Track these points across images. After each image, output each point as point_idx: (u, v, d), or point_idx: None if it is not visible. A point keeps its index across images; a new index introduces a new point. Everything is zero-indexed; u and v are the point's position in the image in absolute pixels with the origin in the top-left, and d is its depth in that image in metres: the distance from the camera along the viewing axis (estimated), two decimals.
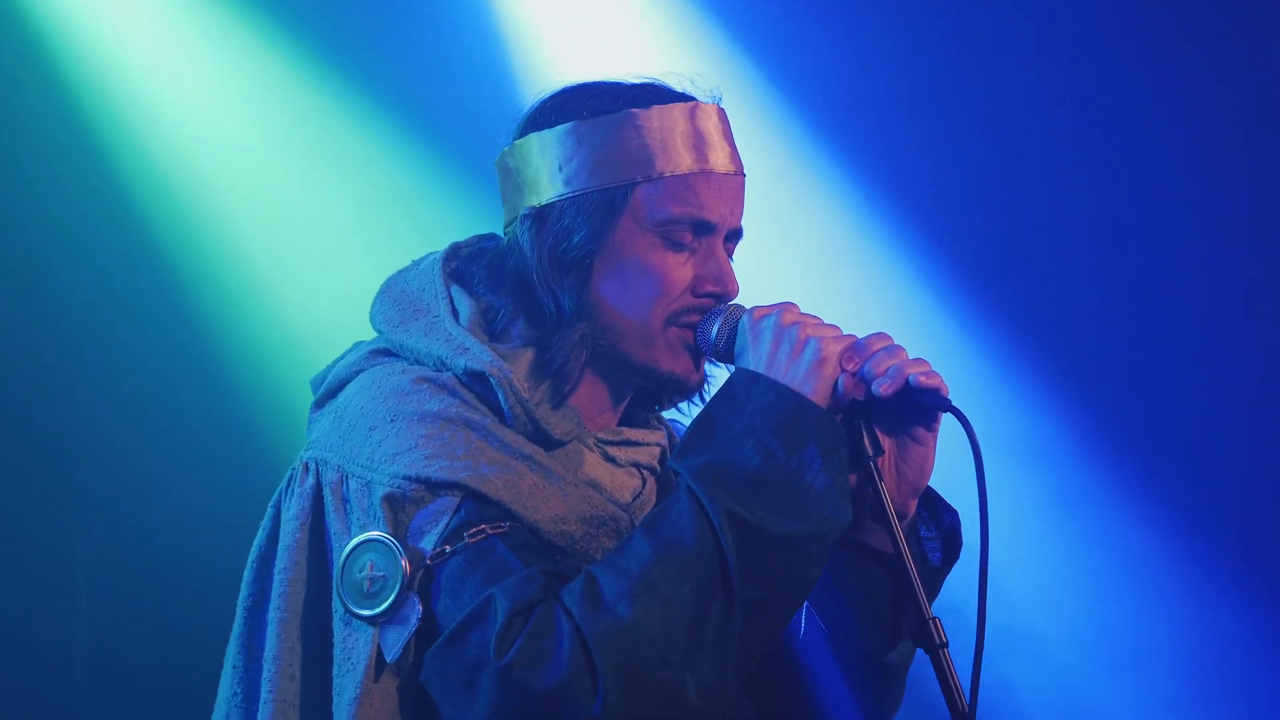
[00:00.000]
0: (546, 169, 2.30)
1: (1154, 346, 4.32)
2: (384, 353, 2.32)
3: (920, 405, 2.26)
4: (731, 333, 2.30)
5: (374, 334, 2.41)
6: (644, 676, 2.06)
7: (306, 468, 2.24)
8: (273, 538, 2.27)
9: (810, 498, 2.14)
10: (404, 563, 2.11)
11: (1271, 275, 4.29)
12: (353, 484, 2.18)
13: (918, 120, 4.43)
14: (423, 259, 2.42)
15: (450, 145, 4.27)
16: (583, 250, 2.29)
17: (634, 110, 2.30)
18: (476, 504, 2.14)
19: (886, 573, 2.33)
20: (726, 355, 2.31)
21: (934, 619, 2.28)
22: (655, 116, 2.30)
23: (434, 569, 2.12)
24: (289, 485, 2.26)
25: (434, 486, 2.15)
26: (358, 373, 2.31)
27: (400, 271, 2.42)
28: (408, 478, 2.15)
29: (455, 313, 2.31)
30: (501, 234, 2.41)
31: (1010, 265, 4.42)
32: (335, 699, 2.15)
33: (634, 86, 2.34)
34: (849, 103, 4.44)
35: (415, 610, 2.12)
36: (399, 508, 2.15)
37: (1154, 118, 4.32)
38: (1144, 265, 4.33)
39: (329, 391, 2.34)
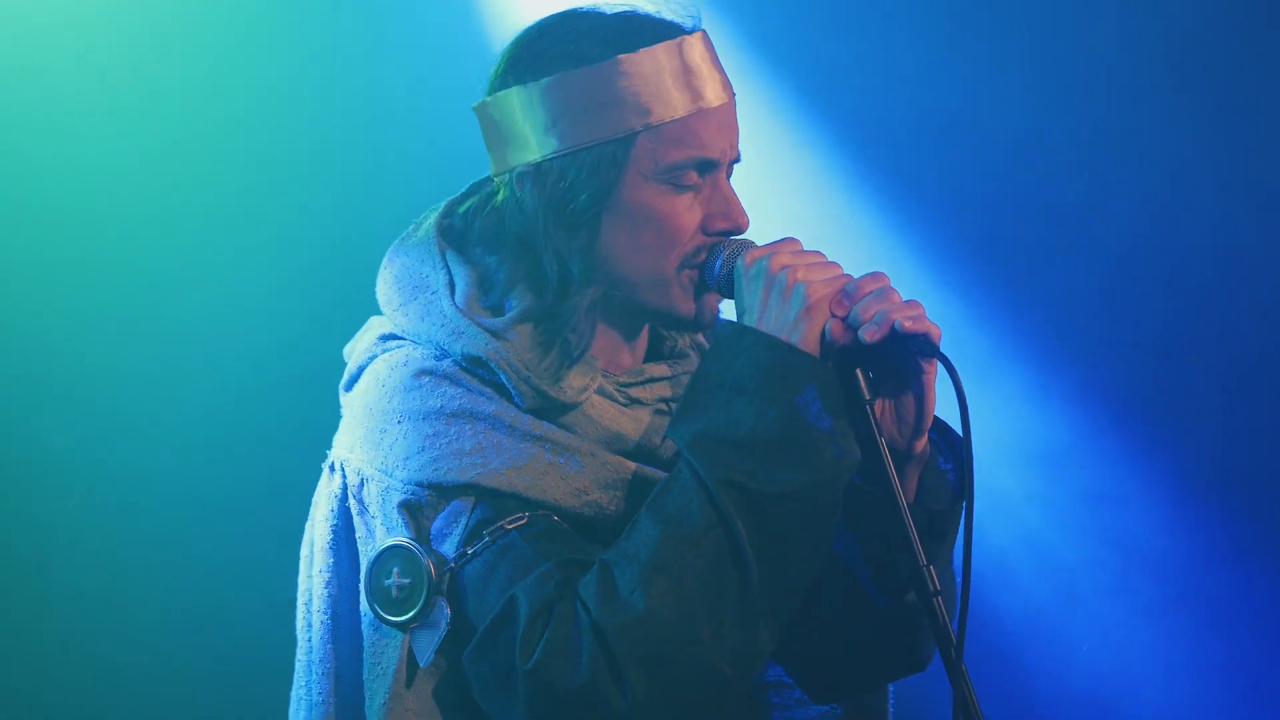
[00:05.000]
0: (537, 124, 2.25)
1: (1181, 341, 4.27)
2: (392, 336, 2.31)
3: (908, 351, 2.24)
4: (730, 271, 2.29)
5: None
6: (669, 661, 2.07)
7: (333, 468, 2.27)
8: (307, 538, 2.33)
9: (808, 447, 2.13)
10: (429, 568, 2.14)
11: None
12: (372, 488, 2.21)
13: (923, 106, 4.39)
14: (421, 221, 2.40)
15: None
16: (590, 209, 2.25)
17: (622, 57, 2.25)
18: (491, 500, 2.16)
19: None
20: (730, 293, 2.31)
21: (928, 566, 2.30)
22: (645, 60, 2.25)
23: (458, 571, 2.15)
24: (328, 486, 2.31)
25: (446, 489, 2.18)
26: (370, 359, 2.32)
27: (401, 240, 2.38)
28: (420, 483, 2.18)
29: (452, 286, 2.29)
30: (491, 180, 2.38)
31: (1028, 257, 4.38)
32: (367, 702, 2.19)
33: (616, 24, 2.28)
34: (849, 87, 4.41)
35: (444, 615, 2.15)
36: (417, 512, 2.18)
37: (1182, 103, 4.25)
38: (1171, 255, 4.27)
39: (352, 377, 2.35)
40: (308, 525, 2.33)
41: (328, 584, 2.24)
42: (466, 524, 2.14)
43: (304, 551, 2.31)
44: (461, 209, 2.35)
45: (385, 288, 2.33)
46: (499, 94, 2.27)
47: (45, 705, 4.20)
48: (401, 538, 2.14)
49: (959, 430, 2.27)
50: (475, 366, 2.22)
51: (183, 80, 4.27)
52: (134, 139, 4.27)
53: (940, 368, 2.25)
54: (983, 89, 4.35)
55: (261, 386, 4.08)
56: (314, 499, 2.32)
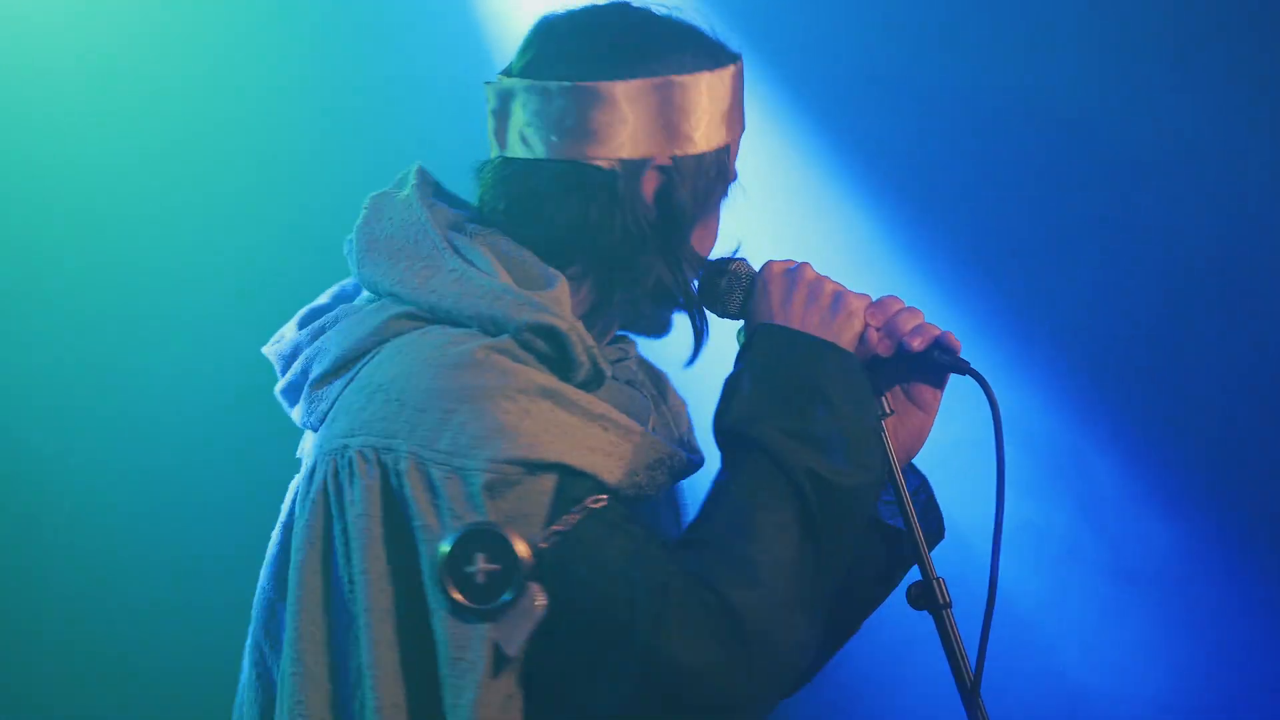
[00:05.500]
0: (657, 121, 2.18)
1: (1178, 343, 4.30)
2: (409, 317, 2.13)
3: (940, 367, 2.31)
4: (739, 287, 2.31)
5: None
6: (780, 644, 2.05)
7: (365, 458, 2.05)
8: (312, 539, 2.09)
9: (869, 448, 2.17)
10: (521, 552, 2.00)
11: None
12: (435, 472, 2.02)
13: (916, 105, 4.38)
14: (396, 200, 2.25)
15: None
16: (709, 208, 2.25)
17: (734, 66, 2.25)
18: (572, 479, 2.04)
19: (881, 536, 2.38)
20: (728, 308, 2.32)
21: (939, 579, 2.33)
22: (738, 74, 2.27)
23: (545, 554, 2.01)
24: (338, 479, 2.08)
25: (532, 467, 2.02)
26: (380, 343, 2.13)
27: (372, 220, 2.23)
28: (505, 461, 2.01)
29: (468, 261, 2.17)
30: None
31: (1023, 260, 4.39)
32: (450, 700, 2.01)
33: (705, 34, 2.26)
34: (843, 85, 4.38)
35: (537, 600, 2.01)
36: (499, 494, 2.01)
37: (1176, 103, 4.29)
38: (1169, 256, 4.30)
39: (341, 365, 2.14)
40: (279, 531, 2.15)
41: (376, 581, 2.03)
42: (550, 504, 2.00)
43: (300, 557, 2.08)
44: (486, 192, 2.24)
45: (387, 267, 2.16)
46: (600, 84, 2.17)
47: (45, 705, 4.19)
48: (486, 520, 1.99)
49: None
50: (535, 339, 2.10)
51: (181, 79, 4.26)
52: (130, 139, 4.27)
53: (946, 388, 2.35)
54: (981, 89, 4.35)
55: (261, 387, 4.05)
56: (301, 500, 2.11)
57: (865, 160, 4.41)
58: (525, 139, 2.20)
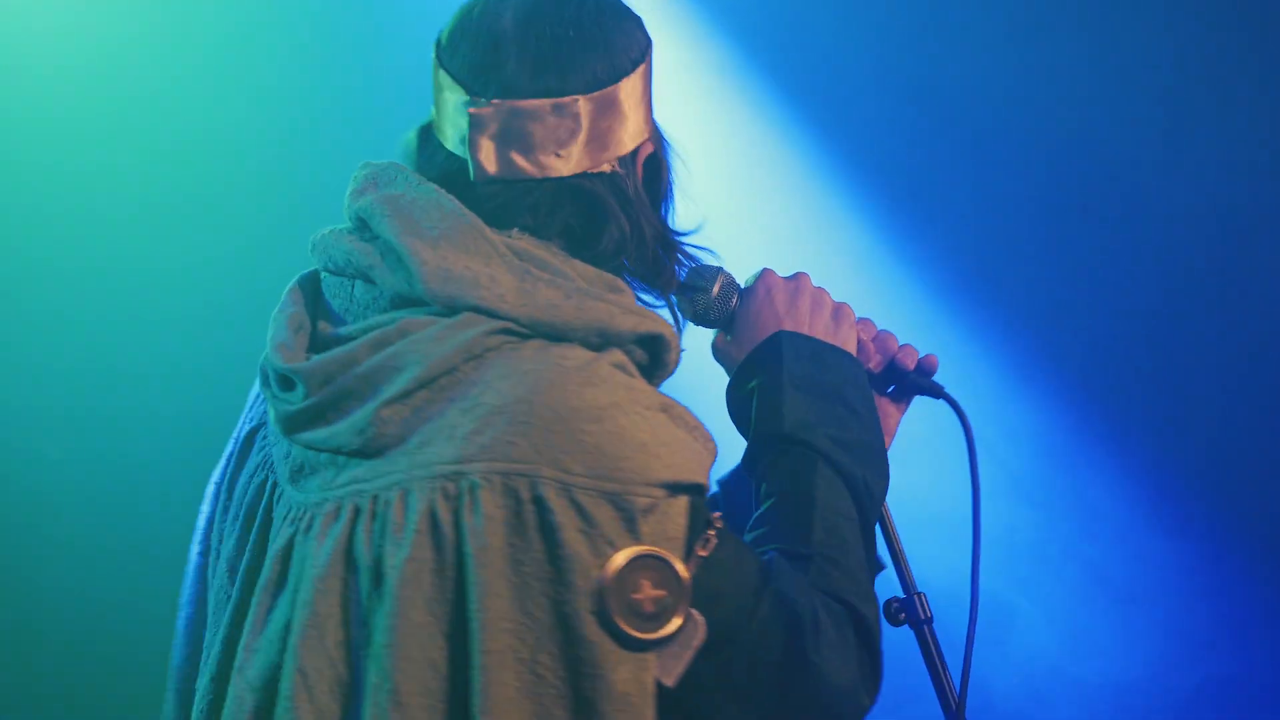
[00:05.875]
0: (642, 106, 2.08)
1: (1178, 345, 4.22)
2: (505, 332, 1.93)
3: (919, 388, 2.37)
4: (735, 293, 2.29)
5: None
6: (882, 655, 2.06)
7: (490, 485, 1.86)
8: (417, 576, 1.86)
9: (884, 457, 2.22)
10: (683, 577, 1.86)
11: None
12: (583, 497, 1.86)
13: (906, 102, 4.16)
14: (427, 197, 2.02)
15: None
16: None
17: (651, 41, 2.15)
18: (700, 498, 1.93)
19: None
20: (716, 313, 2.29)
21: (919, 594, 2.35)
22: None
23: (693, 575, 1.90)
24: (454, 508, 1.86)
25: (673, 489, 1.89)
26: (470, 359, 1.92)
27: (405, 216, 1.99)
28: (654, 483, 1.88)
29: (548, 269, 2.01)
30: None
31: (1018, 264, 4.23)
32: None
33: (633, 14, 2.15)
34: (833, 84, 4.14)
35: (699, 625, 1.89)
36: (649, 518, 1.87)
37: (1176, 104, 4.23)
38: (1166, 258, 4.22)
39: (423, 383, 1.92)
40: (365, 575, 1.88)
41: (498, 619, 1.84)
42: (689, 524, 1.88)
43: (402, 594, 1.84)
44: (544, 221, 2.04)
45: (469, 277, 1.94)
46: (629, 77, 2.05)
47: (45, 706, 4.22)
48: (648, 546, 1.85)
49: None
50: (638, 348, 1.98)
51: (179, 81, 4.32)
52: (124, 141, 4.30)
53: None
54: (981, 90, 4.19)
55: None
56: (379, 536, 1.88)
57: (862, 161, 4.34)
58: (519, 158, 2.03)
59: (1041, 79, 4.28)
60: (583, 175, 2.03)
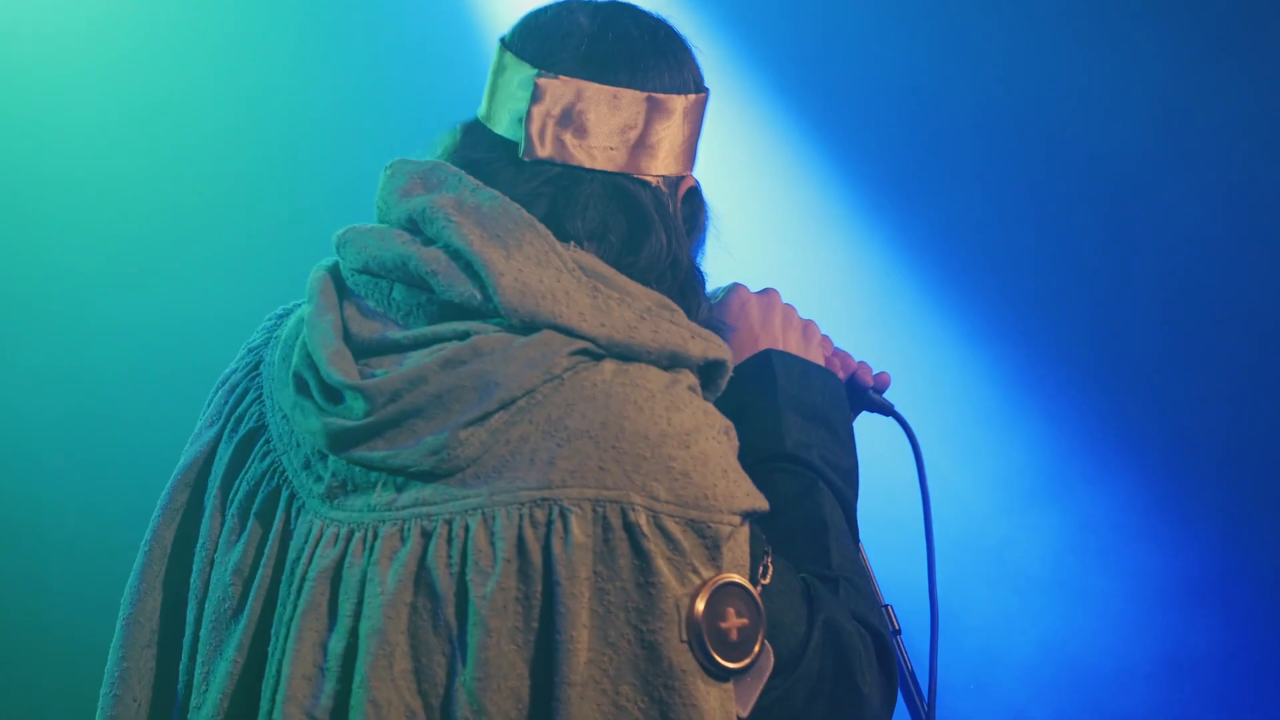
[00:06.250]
0: (693, 138, 2.07)
1: (1181, 347, 4.17)
2: (584, 353, 1.88)
3: (873, 405, 2.41)
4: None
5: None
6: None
7: (580, 511, 1.81)
8: (505, 605, 1.81)
9: (857, 477, 2.24)
10: (760, 605, 1.86)
11: None
12: (670, 524, 1.83)
13: (916, 106, 4.05)
14: (487, 201, 1.95)
15: None
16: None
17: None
18: (759, 525, 1.93)
19: None
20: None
21: (887, 606, 2.38)
22: None
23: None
24: (544, 535, 1.81)
25: (746, 516, 1.89)
26: (548, 380, 1.86)
27: (471, 218, 1.92)
28: (735, 511, 1.86)
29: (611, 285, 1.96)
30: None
31: (1017, 267, 4.16)
32: None
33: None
34: (835, 87, 4.00)
35: (769, 654, 1.89)
36: (729, 544, 1.86)
37: (1176, 104, 4.16)
38: (1165, 263, 4.16)
39: (503, 404, 1.85)
40: (451, 594, 1.81)
41: (583, 648, 1.80)
42: (751, 551, 1.88)
43: (490, 625, 1.79)
44: (583, 215, 2.00)
45: (547, 294, 1.88)
46: (688, 96, 2.04)
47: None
48: (731, 575, 1.84)
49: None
50: (704, 371, 1.95)
51: (178, 83, 4.35)
52: (125, 145, 4.33)
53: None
54: (980, 90, 4.09)
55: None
56: (500, 569, 1.81)
57: (862, 162, 4.28)
58: (567, 141, 2.00)
59: (1043, 80, 4.32)
60: (628, 178, 2.01)
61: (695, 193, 2.08)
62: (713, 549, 1.84)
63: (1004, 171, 4.36)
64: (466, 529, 1.83)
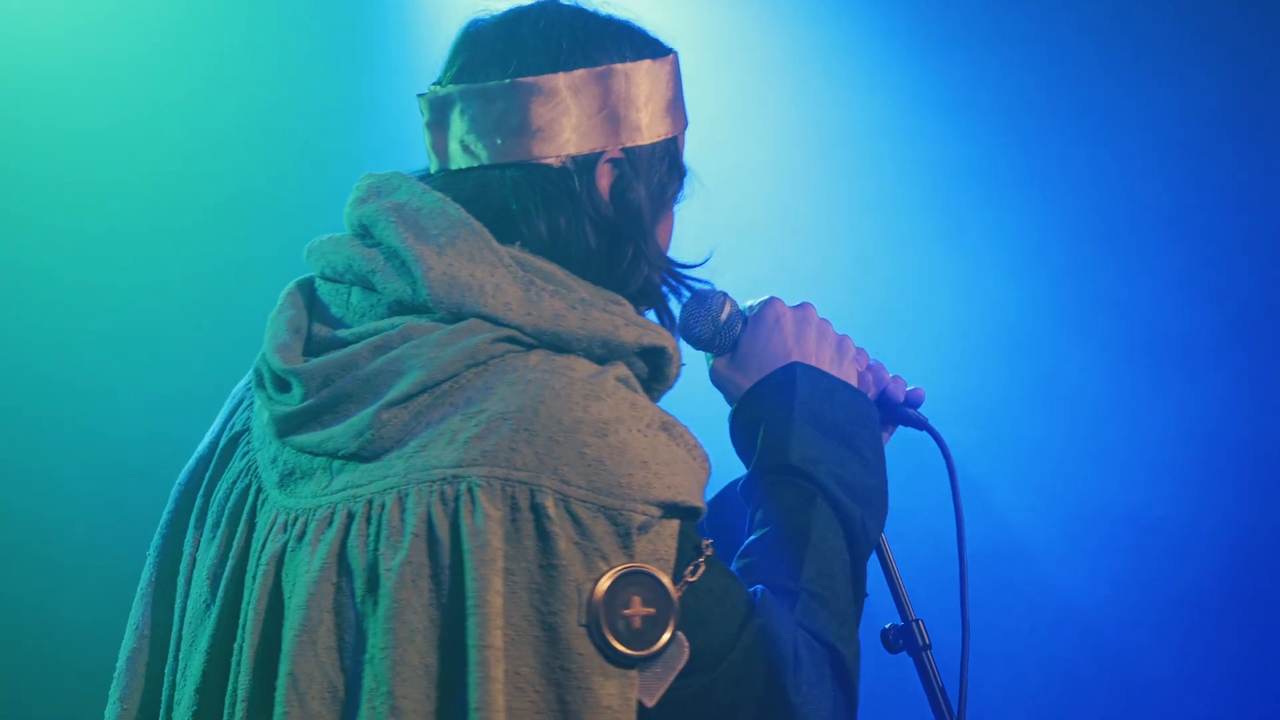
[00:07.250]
0: (602, 111, 2.04)
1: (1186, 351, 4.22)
2: (509, 340, 1.92)
3: (907, 419, 2.40)
4: (741, 319, 2.29)
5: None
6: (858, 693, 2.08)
7: (489, 489, 1.84)
8: (415, 577, 1.84)
9: (884, 500, 2.23)
10: (673, 596, 1.86)
11: None
12: (581, 509, 1.85)
13: (916, 107, 4.17)
14: (430, 205, 2.00)
15: None
16: (671, 200, 2.12)
17: (669, 56, 2.12)
18: (692, 521, 1.93)
19: None
20: (722, 339, 2.29)
21: (917, 621, 2.38)
22: (675, 65, 2.15)
23: (681, 598, 1.90)
24: (452, 510, 1.84)
25: (668, 510, 1.89)
26: (473, 365, 1.90)
27: (410, 224, 1.96)
28: (652, 502, 1.87)
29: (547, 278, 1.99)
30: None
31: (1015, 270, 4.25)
32: None
33: (644, 31, 2.14)
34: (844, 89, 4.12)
35: (683, 647, 1.89)
36: (644, 535, 1.87)
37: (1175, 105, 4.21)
38: (1164, 262, 4.22)
39: (425, 387, 1.89)
40: (359, 578, 1.85)
41: (481, 619, 1.82)
42: (680, 546, 1.89)
43: (398, 596, 1.82)
44: (505, 214, 2.03)
45: (474, 285, 1.92)
46: (570, 72, 2.03)
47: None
48: (640, 563, 1.85)
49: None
50: (639, 361, 1.97)
51: (175, 87, 4.34)
52: (125, 149, 4.32)
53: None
54: (978, 91, 4.20)
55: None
56: (374, 540, 1.86)
57: (872, 168, 4.27)
58: (467, 147, 2.04)
59: (1045, 82, 4.30)
60: (521, 166, 2.02)
61: (620, 164, 2.05)
62: (624, 537, 1.85)
63: (1019, 175, 4.35)
64: (383, 507, 1.87)
